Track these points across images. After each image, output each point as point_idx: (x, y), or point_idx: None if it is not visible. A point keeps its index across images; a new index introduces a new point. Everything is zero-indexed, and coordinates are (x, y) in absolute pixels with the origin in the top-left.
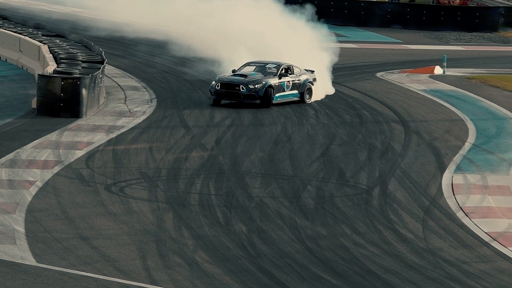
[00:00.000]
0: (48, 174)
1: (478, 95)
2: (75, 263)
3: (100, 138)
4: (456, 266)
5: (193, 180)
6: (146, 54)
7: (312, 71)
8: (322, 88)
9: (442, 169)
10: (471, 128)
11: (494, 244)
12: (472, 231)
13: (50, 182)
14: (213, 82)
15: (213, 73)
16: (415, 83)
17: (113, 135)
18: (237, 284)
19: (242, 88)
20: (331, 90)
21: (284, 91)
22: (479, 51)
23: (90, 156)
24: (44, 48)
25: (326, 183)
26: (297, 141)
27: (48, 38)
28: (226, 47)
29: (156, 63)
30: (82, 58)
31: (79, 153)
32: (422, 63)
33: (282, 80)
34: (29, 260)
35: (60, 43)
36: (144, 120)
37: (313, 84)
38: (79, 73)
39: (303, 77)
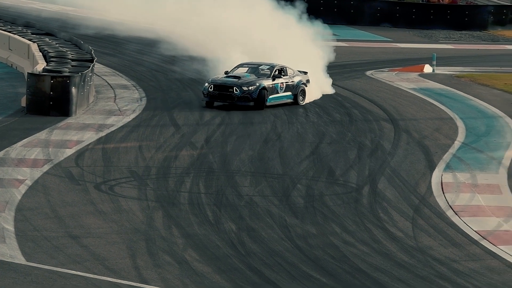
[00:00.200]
0: (37, 173)
1: (467, 94)
2: (65, 261)
3: (89, 137)
4: (445, 265)
5: (183, 178)
6: (136, 52)
7: (306, 72)
8: (320, 87)
9: (431, 167)
10: (460, 126)
11: (484, 243)
12: (462, 229)
13: (40, 181)
14: (206, 84)
15: (203, 71)
16: (405, 81)
17: (102, 134)
18: (227, 283)
19: (236, 90)
20: (330, 90)
21: (278, 93)
22: (478, 52)
23: (79, 154)
24: (34, 47)
25: (315, 181)
26: (287, 139)
27: (37, 36)
28: (217, 46)
29: (146, 62)
30: (72, 56)
31: (69, 152)
32: (411, 62)
33: (275, 81)
34: (19, 258)
35: (50, 41)
36: (133, 119)
37: (306, 86)
38: (69, 72)
39: (296, 79)
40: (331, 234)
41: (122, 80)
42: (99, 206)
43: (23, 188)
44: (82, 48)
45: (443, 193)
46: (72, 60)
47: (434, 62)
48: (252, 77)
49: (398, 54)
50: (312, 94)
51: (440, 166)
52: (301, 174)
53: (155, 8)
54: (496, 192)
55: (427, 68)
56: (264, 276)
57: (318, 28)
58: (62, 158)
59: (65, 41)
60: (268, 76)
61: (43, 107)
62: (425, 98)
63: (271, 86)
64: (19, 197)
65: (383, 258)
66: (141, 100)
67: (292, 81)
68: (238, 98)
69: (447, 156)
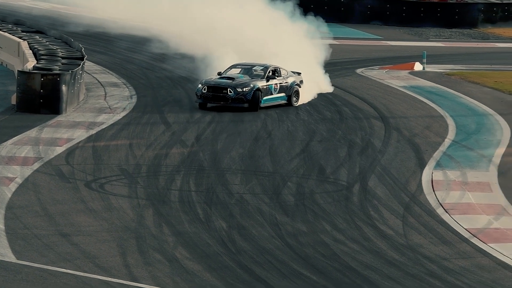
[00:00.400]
0: (27, 171)
1: (457, 92)
2: (55, 260)
3: (80, 135)
4: (436, 263)
5: (173, 176)
6: (126, 50)
7: (299, 73)
8: (317, 86)
9: (422, 165)
10: (451, 124)
11: (474, 241)
12: (452, 227)
13: (30, 179)
14: (200, 85)
15: (193, 69)
16: (395, 79)
17: (93, 132)
18: (217, 281)
19: (230, 92)
20: (328, 88)
21: (272, 94)
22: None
23: (70, 152)
24: (24, 44)
25: (306, 179)
26: (277, 137)
27: (27, 34)
28: (209, 44)
29: (136, 60)
30: (62, 54)
31: (59, 150)
32: (402, 60)
33: (269, 82)
34: (9, 257)
35: (40, 39)
36: (124, 117)
37: (300, 87)
38: (59, 70)
39: (290, 80)
40: (322, 232)
41: (113, 78)
42: (89, 204)
43: (13, 186)
44: (72, 46)
45: (434, 191)
46: (63, 58)
47: (425, 60)
48: (246, 78)
49: (389, 52)
50: (307, 94)
51: (431, 164)
52: (292, 172)
53: (146, 6)
54: (486, 190)
55: (418, 66)
56: (254, 274)
57: (313, 25)
58: (53, 156)
59: (56, 39)
60: (262, 77)
61: (33, 105)
62: (415, 96)
63: (265, 87)
64: (9, 195)
65: (374, 256)
66: (131, 98)
67: (286, 82)
68: (232, 100)
69: (437, 154)
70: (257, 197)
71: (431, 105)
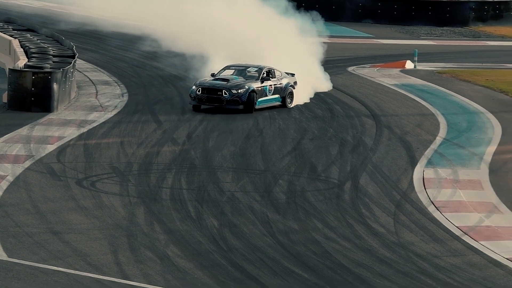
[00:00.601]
0: (19, 169)
1: (449, 90)
2: (46, 257)
3: (71, 133)
4: (427, 260)
5: (165, 174)
6: (118, 48)
7: (293, 74)
8: (313, 86)
9: (413, 163)
10: (442, 122)
11: (465, 238)
12: (443, 225)
13: (21, 177)
14: (193, 87)
15: (185, 67)
16: (386, 77)
17: (84, 130)
18: (208, 279)
19: (225, 93)
20: (325, 87)
21: (267, 95)
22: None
23: (61, 150)
24: (15, 43)
25: (297, 177)
26: (269, 135)
27: (19, 32)
28: (201, 43)
29: (127, 58)
30: (53, 52)
31: (50, 148)
32: (393, 58)
33: (264, 84)
34: (0, 254)
35: (31, 37)
36: (115, 115)
37: (294, 88)
38: (50, 68)
39: (284, 81)
40: (313, 229)
41: (104, 76)
42: (80, 202)
43: (4, 184)
44: (63, 44)
45: (425, 189)
46: (54, 56)
47: (416, 58)
48: (241, 79)
49: (380, 50)
50: (302, 95)
51: (422, 162)
52: (283, 170)
53: (137, 4)
54: (477, 188)
55: (409, 64)
56: (246, 272)
57: (309, 22)
58: (44, 154)
59: (47, 37)
60: (256, 79)
61: (25, 103)
62: (406, 94)
63: (260, 88)
64: (0, 193)
65: (365, 254)
66: (122, 96)
67: (280, 84)
68: (227, 102)
69: (428, 152)
70: (248, 195)
71: (423, 103)
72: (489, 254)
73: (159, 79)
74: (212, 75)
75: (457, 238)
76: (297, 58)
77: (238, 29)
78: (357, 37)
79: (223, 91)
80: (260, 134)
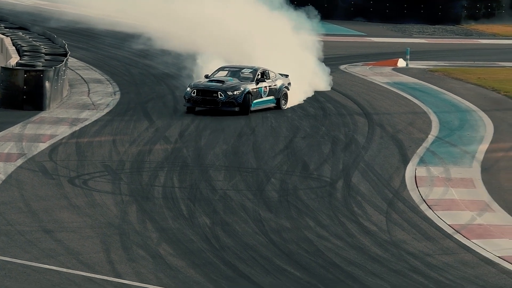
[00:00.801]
0: (11, 167)
1: (441, 88)
2: (39, 256)
3: (63, 131)
4: (419, 259)
5: (157, 173)
6: (110, 46)
7: (287, 75)
8: (310, 85)
9: (405, 161)
10: (434, 120)
11: (457, 237)
12: (435, 223)
13: (13, 175)
14: (188, 89)
15: (177, 65)
16: (379, 75)
17: (76, 128)
18: (200, 277)
19: (221, 95)
20: (324, 86)
21: (262, 97)
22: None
23: (53, 149)
24: (7, 41)
25: (289, 175)
26: (261, 133)
27: (11, 30)
28: (194, 41)
29: (120, 56)
30: (45, 50)
31: (42, 146)
32: (385, 56)
33: (259, 85)
34: None
35: (23, 35)
36: (107, 113)
37: (288, 89)
38: (42, 66)
39: (279, 82)
40: (305, 228)
41: (96, 74)
42: (73, 200)
43: None
44: (55, 42)
45: (417, 187)
46: (46, 54)
47: (408, 57)
48: (236, 81)
49: (372, 48)
50: (298, 95)
51: (414, 160)
52: (275, 168)
53: (130, 2)
54: (469, 186)
55: (401, 63)
56: (238, 270)
57: (305, 20)
58: (36, 152)
59: (39, 35)
60: (251, 80)
61: (17, 101)
62: (399, 92)
63: (255, 90)
64: None
65: (357, 252)
66: (114, 94)
67: (274, 85)
68: (222, 103)
69: (420, 150)
70: (240, 193)
71: (415, 102)
72: (481, 252)
73: (151, 77)
74: (206, 76)
75: (449, 236)
76: (293, 56)
77: (231, 26)
78: (349, 35)
79: (219, 93)
80: (252, 133)
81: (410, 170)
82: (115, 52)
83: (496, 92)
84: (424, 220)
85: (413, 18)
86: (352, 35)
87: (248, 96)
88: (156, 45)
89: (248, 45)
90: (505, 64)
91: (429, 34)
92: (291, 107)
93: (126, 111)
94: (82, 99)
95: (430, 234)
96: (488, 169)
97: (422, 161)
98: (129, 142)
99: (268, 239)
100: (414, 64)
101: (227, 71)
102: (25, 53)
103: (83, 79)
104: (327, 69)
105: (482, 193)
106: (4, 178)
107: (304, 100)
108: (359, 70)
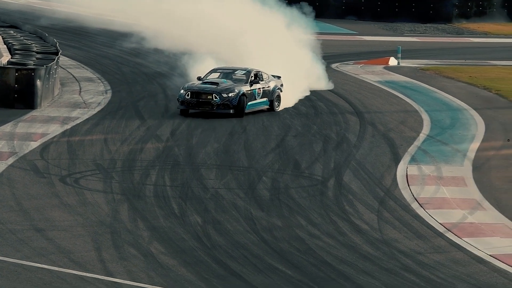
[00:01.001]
0: (2, 166)
1: (432, 86)
2: (30, 254)
3: (54, 130)
4: (410, 257)
5: (148, 171)
6: (101, 45)
7: (279, 77)
8: (308, 85)
9: (397, 160)
10: (425, 119)
11: (449, 235)
12: (427, 222)
13: (5, 174)
14: (182, 91)
15: (168, 64)
16: (370, 74)
17: (67, 127)
18: (192, 275)
19: (215, 97)
20: (323, 85)
21: (255, 99)
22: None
23: (44, 147)
24: None
25: (281, 174)
26: (252, 132)
27: (2, 29)
28: (188, 39)
29: (111, 54)
30: (37, 49)
31: (34, 145)
32: (377, 54)
33: (253, 87)
34: None
35: (15, 34)
36: (99, 112)
37: (281, 91)
38: (34, 64)
39: (272, 84)
40: (297, 226)
41: (87, 72)
42: (64, 199)
43: None
44: (47, 41)
45: (408, 186)
46: (37, 52)
47: (399, 55)
48: (230, 83)
49: (364, 47)
50: (292, 96)
51: (405, 158)
52: (267, 166)
53: (122, 1)
54: (461, 185)
55: (392, 61)
56: (229, 269)
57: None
58: (27, 151)
59: (30, 33)
60: (245, 82)
61: (8, 100)
62: (390, 91)
63: (249, 92)
64: None
65: (349, 251)
66: (106, 93)
67: (268, 87)
68: (217, 106)
69: (412, 149)
70: (232, 192)
71: (406, 100)
72: (472, 251)
73: (142, 76)
74: (199, 78)
75: (440, 234)
76: (289, 56)
77: (225, 25)
78: (340, 33)
79: (213, 95)
80: (244, 131)
81: (401, 168)
82: (107, 50)
83: (487, 91)
84: (416, 219)
85: (404, 17)
86: (343, 33)
87: (243, 98)
88: (148, 43)
89: (241, 43)
90: (497, 62)
91: (420, 33)
92: (283, 107)
93: (118, 109)
94: (73, 98)
95: (422, 232)
96: (480, 168)
97: (413, 160)
98: (120, 140)
99: (259, 238)
100: (405, 63)
101: (219, 73)
102: (17, 51)
103: (75, 77)
104: (323, 66)
105: (473, 192)
106: None
107: (299, 100)
108: (350, 68)
